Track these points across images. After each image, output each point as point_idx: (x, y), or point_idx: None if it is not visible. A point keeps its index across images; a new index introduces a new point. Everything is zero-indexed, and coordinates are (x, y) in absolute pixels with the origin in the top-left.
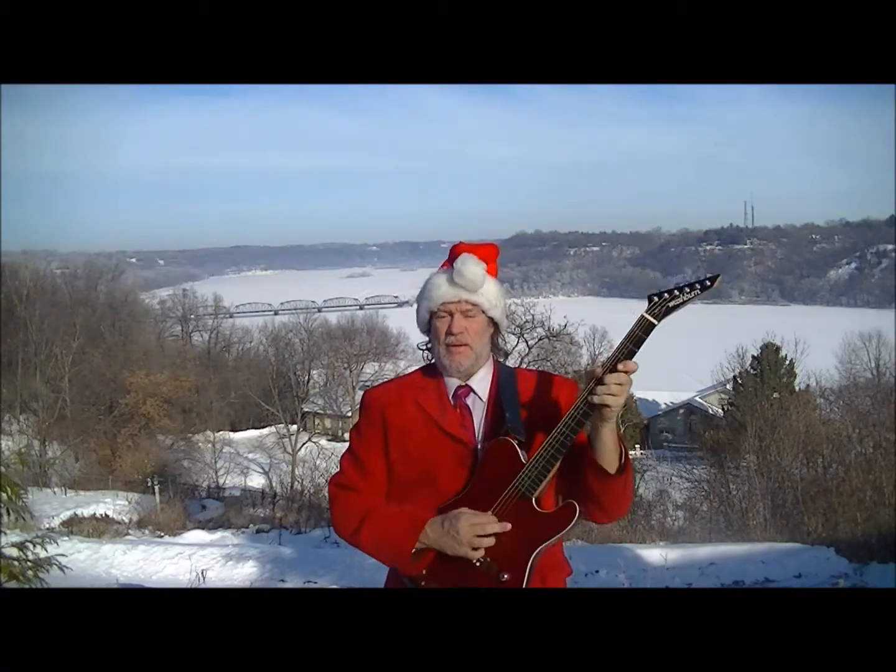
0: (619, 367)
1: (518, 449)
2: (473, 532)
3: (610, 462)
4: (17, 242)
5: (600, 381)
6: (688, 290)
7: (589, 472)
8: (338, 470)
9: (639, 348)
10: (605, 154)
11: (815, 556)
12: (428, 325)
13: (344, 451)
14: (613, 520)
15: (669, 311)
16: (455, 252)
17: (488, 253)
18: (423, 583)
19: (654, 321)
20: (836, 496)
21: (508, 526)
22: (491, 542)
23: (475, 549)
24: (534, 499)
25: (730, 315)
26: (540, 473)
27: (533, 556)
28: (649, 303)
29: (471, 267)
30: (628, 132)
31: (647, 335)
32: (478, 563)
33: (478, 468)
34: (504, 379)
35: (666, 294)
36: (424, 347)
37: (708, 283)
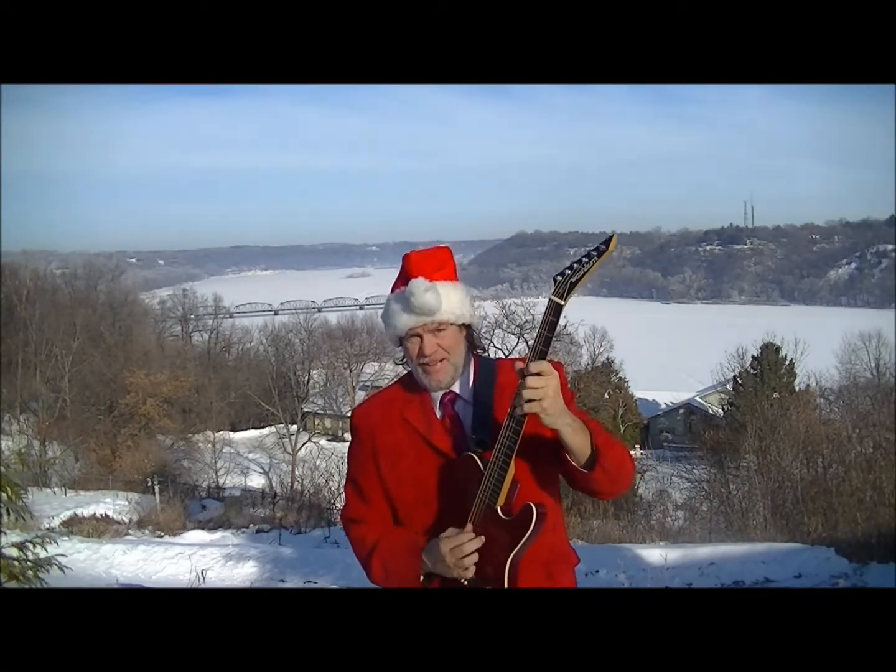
0: (530, 369)
1: (478, 461)
2: (454, 555)
3: (579, 458)
4: (17, 242)
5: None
6: (586, 261)
7: (568, 468)
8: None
9: (553, 333)
10: (605, 154)
11: (815, 556)
12: (399, 343)
13: (346, 479)
14: (619, 495)
15: (573, 286)
16: (406, 267)
17: (440, 259)
18: None
19: (561, 301)
20: (836, 496)
21: (483, 540)
22: (475, 558)
23: (465, 569)
24: (498, 507)
25: (730, 315)
26: (496, 482)
27: (507, 564)
28: (554, 283)
29: (420, 297)
30: (629, 132)
31: (558, 317)
32: (465, 583)
33: (450, 487)
34: (483, 376)
35: (567, 271)
36: (401, 362)
37: (603, 248)
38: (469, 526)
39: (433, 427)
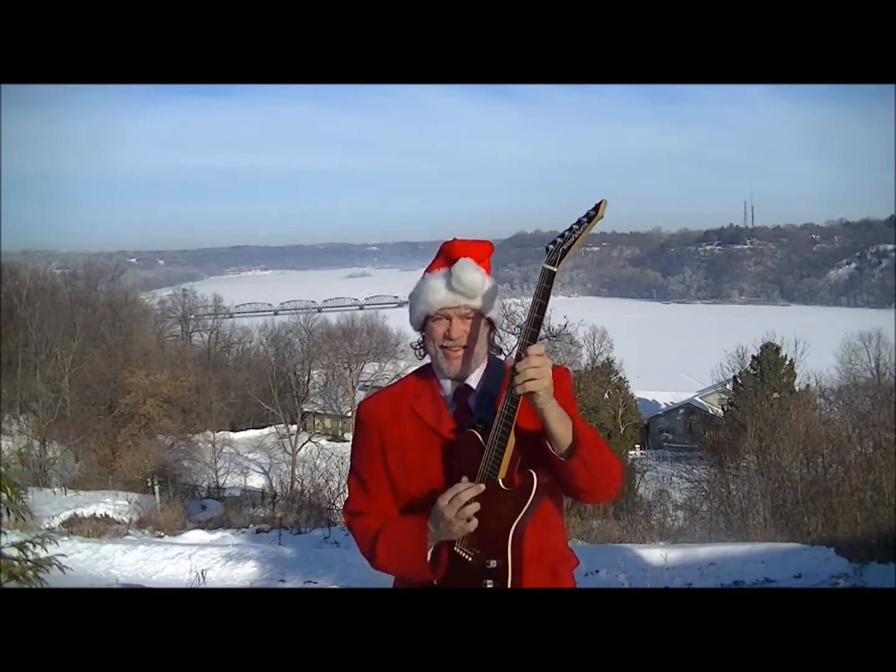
0: (530, 351)
1: (479, 437)
2: (454, 507)
3: (560, 446)
4: (17, 242)
5: (514, 370)
6: (576, 227)
7: (550, 458)
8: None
9: (547, 301)
10: (605, 154)
11: (815, 556)
12: (422, 325)
13: (349, 472)
14: (602, 500)
15: (565, 253)
16: (449, 251)
17: (483, 251)
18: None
19: (553, 268)
20: (836, 496)
21: (482, 487)
22: (475, 507)
23: (468, 520)
24: (500, 479)
25: (730, 315)
26: (497, 453)
27: (510, 534)
28: (546, 252)
29: (470, 274)
30: (629, 132)
31: (551, 284)
32: (469, 558)
33: (452, 464)
34: (492, 373)
35: (559, 239)
36: (418, 346)
37: (592, 213)
38: (465, 478)
39: (443, 418)
